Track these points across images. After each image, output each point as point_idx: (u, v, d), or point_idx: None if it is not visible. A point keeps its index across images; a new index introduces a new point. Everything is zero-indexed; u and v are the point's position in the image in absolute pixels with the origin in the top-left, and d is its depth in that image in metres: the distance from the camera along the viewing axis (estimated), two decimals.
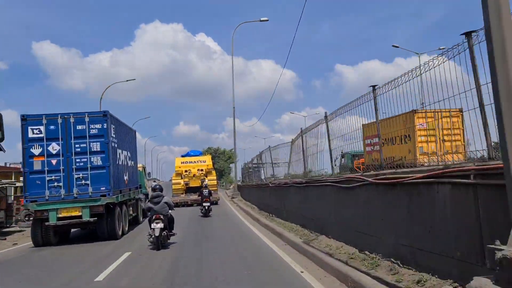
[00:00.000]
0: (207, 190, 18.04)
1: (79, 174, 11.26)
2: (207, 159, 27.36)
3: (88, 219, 11.07)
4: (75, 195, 11.14)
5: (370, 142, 15.45)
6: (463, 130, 12.26)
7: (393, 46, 32.74)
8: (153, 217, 9.54)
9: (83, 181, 11.24)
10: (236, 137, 27.08)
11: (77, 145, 11.33)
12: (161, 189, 10.25)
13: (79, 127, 11.42)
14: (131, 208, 14.47)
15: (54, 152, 11.18)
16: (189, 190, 26.27)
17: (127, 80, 27.81)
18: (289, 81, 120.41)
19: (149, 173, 24.75)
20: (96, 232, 11.77)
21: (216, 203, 24.43)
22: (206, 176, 25.83)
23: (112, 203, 11.58)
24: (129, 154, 14.65)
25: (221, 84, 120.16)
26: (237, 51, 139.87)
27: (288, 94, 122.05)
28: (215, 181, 26.24)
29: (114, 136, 12.22)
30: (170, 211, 10.03)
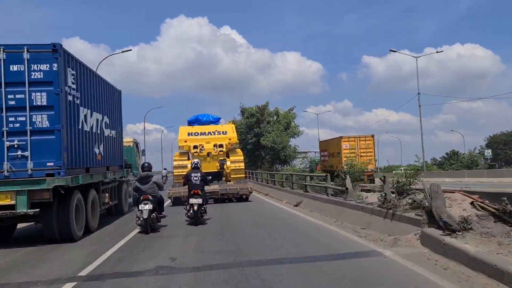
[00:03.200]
0: (198, 175, 9.92)
1: (12, 141, 7.23)
2: (229, 129, 17.36)
3: (24, 210, 7.04)
4: (6, 174, 7.13)
5: (322, 154, 35.24)
6: (374, 149, 27.93)
7: (390, 50, 48.19)
8: (141, 198, 8.74)
9: (19, 152, 7.22)
10: None
11: (10, 96, 7.28)
12: (149, 168, 9.52)
13: (13, 67, 7.33)
14: (107, 195, 10.41)
15: None
16: None
17: (122, 51, 28.28)
18: (315, 73, 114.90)
19: (143, 151, 19.88)
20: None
21: (247, 199, 15.36)
22: (228, 157, 16.85)
23: (65, 187, 7.52)
24: (106, 120, 10.54)
25: (246, 77, 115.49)
26: (262, 44, 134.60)
27: (314, 87, 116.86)
28: (242, 164, 16.91)
29: (73, 86, 8.09)
30: (159, 191, 9.27)
